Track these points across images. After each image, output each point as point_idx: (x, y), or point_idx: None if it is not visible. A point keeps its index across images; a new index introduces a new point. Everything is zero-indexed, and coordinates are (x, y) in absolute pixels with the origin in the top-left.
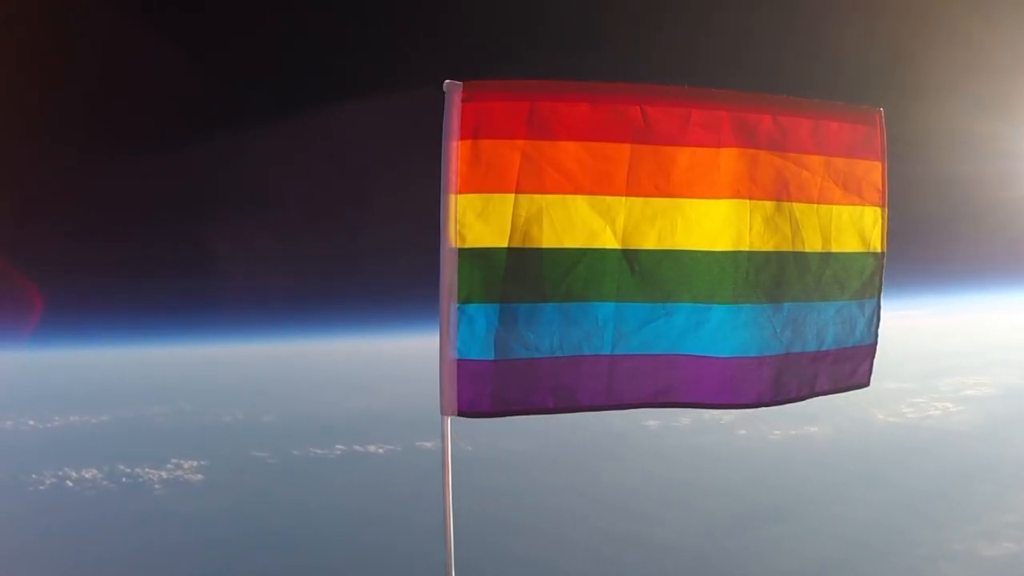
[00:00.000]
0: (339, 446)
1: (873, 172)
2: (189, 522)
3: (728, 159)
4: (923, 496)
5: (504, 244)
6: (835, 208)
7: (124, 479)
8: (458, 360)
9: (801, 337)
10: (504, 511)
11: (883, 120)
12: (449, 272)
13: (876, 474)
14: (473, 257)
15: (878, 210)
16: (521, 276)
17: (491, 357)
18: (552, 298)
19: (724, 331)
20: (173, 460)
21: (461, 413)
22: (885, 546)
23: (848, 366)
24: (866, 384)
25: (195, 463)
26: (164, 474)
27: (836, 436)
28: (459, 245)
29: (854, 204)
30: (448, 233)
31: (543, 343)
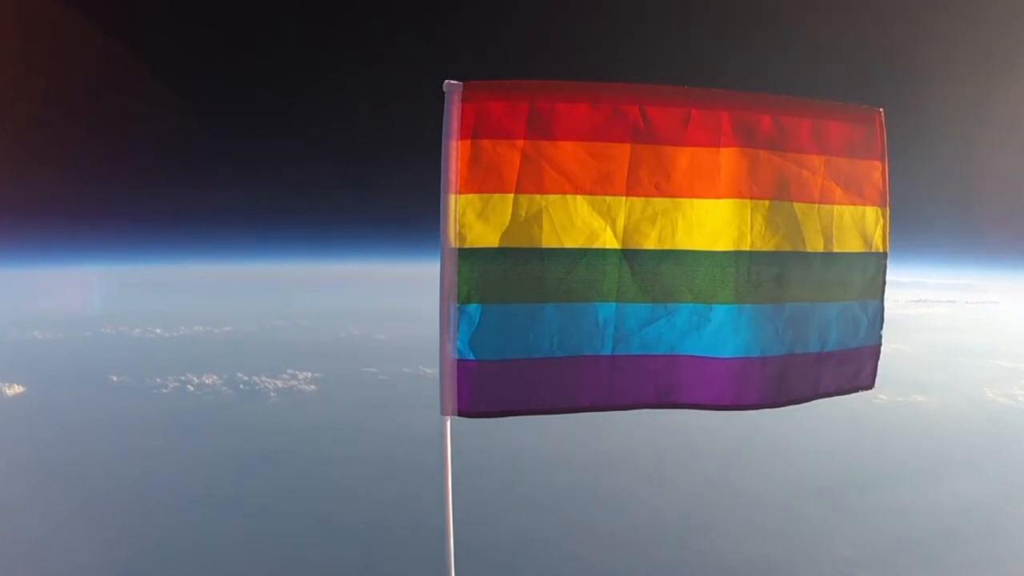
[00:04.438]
0: None
1: (874, 172)
2: (301, 430)
3: (728, 159)
4: (1020, 488)
5: (504, 244)
6: (836, 208)
7: (241, 386)
8: (458, 360)
9: (803, 338)
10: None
11: (883, 120)
12: (449, 272)
13: (976, 455)
14: (473, 257)
15: (879, 210)
16: (521, 276)
17: (491, 357)
18: (552, 298)
19: (726, 331)
20: (289, 370)
21: (461, 413)
22: (971, 534)
23: (851, 368)
24: (870, 386)
25: (309, 374)
26: (279, 383)
27: (942, 409)
28: (459, 245)
29: (855, 204)
30: (448, 233)
31: (543, 343)
